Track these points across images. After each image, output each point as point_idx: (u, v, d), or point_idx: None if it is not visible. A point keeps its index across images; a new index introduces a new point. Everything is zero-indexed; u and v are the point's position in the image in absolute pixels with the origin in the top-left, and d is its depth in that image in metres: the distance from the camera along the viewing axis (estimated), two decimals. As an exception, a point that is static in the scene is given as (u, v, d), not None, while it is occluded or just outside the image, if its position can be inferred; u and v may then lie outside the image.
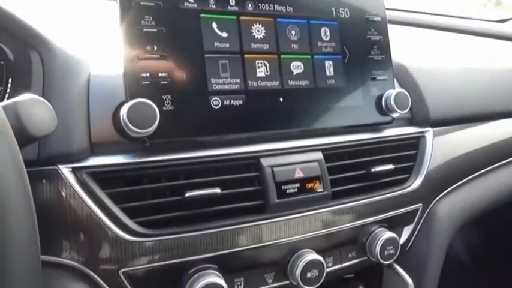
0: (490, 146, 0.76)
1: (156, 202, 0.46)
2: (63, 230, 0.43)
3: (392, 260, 0.60)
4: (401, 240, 0.63)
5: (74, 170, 0.43)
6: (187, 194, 0.46)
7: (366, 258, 0.60)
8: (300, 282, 0.52)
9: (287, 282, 0.54)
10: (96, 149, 0.45)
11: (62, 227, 0.43)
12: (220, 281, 0.47)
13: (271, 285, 0.53)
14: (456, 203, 0.69)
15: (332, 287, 0.64)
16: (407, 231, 0.65)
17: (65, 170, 0.43)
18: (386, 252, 0.58)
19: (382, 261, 0.58)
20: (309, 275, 0.52)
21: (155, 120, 0.43)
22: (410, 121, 0.66)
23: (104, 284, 0.44)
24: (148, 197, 0.46)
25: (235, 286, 0.51)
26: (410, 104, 0.61)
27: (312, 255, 0.52)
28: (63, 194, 0.43)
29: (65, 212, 0.42)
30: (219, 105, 0.49)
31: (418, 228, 0.66)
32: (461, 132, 0.73)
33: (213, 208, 0.48)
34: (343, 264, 0.59)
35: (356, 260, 0.60)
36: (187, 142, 0.49)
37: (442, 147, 0.68)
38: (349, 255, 0.59)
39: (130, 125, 0.42)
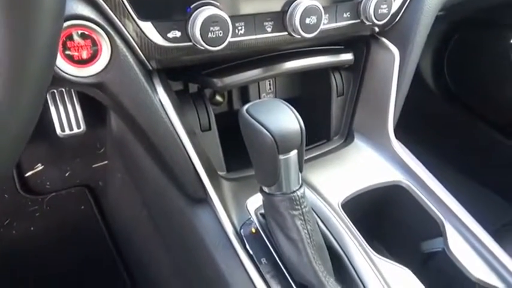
0: None
1: None
2: None
3: (385, 20, 0.62)
4: (392, 10, 0.65)
5: None
6: None
7: (359, 20, 0.62)
8: (300, 29, 0.54)
9: (285, 33, 0.56)
10: None
11: None
12: (224, 14, 0.47)
13: (270, 35, 0.55)
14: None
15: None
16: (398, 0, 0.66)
17: None
18: (379, 11, 0.60)
19: (375, 20, 0.60)
20: (307, 20, 0.54)
21: None
22: None
23: (105, 6, 0.44)
24: None
25: (236, 30, 0.52)
26: None
27: (310, 1, 0.53)
28: None
29: None
30: None
31: (410, -4, 0.67)
32: None
33: None
34: (338, 24, 0.60)
35: (350, 21, 0.61)
36: None
37: None
38: (344, 15, 0.61)
39: None
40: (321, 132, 0.76)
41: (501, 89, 1.24)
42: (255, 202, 0.60)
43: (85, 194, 1.29)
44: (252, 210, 0.59)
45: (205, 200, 0.60)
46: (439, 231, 0.62)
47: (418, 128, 1.31)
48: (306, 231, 0.49)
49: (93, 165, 1.34)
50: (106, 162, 1.31)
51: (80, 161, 1.35)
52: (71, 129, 1.17)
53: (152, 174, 0.70)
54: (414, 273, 0.56)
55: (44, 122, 1.13)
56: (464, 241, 0.60)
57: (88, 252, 1.14)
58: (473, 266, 0.57)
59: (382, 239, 0.66)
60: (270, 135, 0.45)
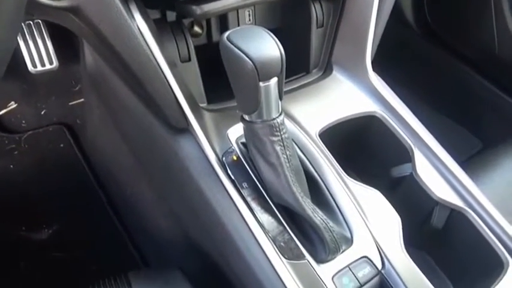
0: None
1: None
2: None
3: None
4: None
5: None
6: None
7: None
8: None
9: None
10: None
11: None
12: None
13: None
14: None
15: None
16: None
17: None
18: None
19: None
20: None
21: None
22: None
23: None
24: None
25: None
26: None
27: None
28: None
29: None
30: None
31: None
32: None
33: None
34: None
35: None
36: None
37: None
38: None
39: None
40: (300, 64, 0.76)
41: (478, 26, 1.25)
42: (235, 132, 0.62)
43: (63, 132, 1.28)
44: (233, 140, 0.62)
45: (187, 130, 0.61)
46: (408, 158, 0.66)
47: (396, 63, 1.33)
48: (285, 156, 0.52)
49: (70, 103, 1.32)
50: (82, 100, 1.29)
51: (55, 99, 1.32)
52: (42, 65, 1.13)
53: (132, 108, 0.71)
54: (383, 195, 0.61)
55: (16, 58, 1.09)
56: (431, 165, 0.65)
57: (70, 188, 1.16)
58: (437, 187, 0.62)
59: (355, 166, 0.70)
60: (250, 62, 0.45)
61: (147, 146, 0.76)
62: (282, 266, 0.52)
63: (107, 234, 1.11)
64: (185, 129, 0.61)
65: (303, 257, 0.54)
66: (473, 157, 1.17)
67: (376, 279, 0.54)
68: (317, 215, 0.53)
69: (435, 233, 0.64)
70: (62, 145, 1.25)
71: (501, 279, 0.56)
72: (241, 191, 0.57)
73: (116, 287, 0.63)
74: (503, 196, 0.82)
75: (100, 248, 1.08)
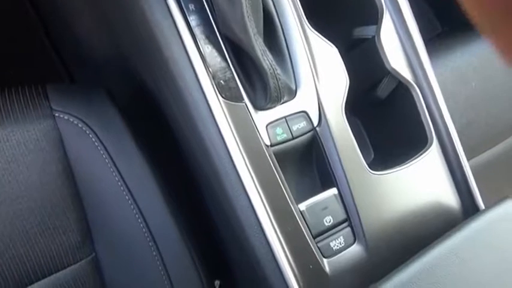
0: None
1: None
2: None
3: None
4: None
5: None
6: None
7: None
8: None
9: None
10: None
11: None
12: None
13: None
14: None
15: None
16: None
17: None
18: None
19: None
20: None
21: None
22: None
23: None
24: None
25: None
26: None
27: None
28: None
29: None
30: None
31: None
32: None
33: None
34: None
35: None
36: None
37: None
38: None
39: None
40: None
41: None
42: None
43: None
44: None
45: None
46: (375, 20, 0.60)
47: None
48: (245, -19, 0.43)
49: None
50: None
51: None
52: None
53: None
54: (340, 54, 0.56)
55: None
56: (395, 33, 0.60)
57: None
58: (393, 56, 0.59)
59: (320, 16, 0.63)
60: None
61: None
62: (217, 104, 0.49)
63: (32, 44, 0.98)
64: None
65: (241, 99, 0.50)
66: (431, 40, 1.14)
67: (309, 134, 0.54)
68: (266, 58, 0.48)
69: (376, 102, 0.64)
70: None
71: (420, 155, 0.59)
72: (186, 14, 0.49)
73: (30, 97, 0.56)
74: (446, 81, 0.82)
75: (22, 57, 0.97)
